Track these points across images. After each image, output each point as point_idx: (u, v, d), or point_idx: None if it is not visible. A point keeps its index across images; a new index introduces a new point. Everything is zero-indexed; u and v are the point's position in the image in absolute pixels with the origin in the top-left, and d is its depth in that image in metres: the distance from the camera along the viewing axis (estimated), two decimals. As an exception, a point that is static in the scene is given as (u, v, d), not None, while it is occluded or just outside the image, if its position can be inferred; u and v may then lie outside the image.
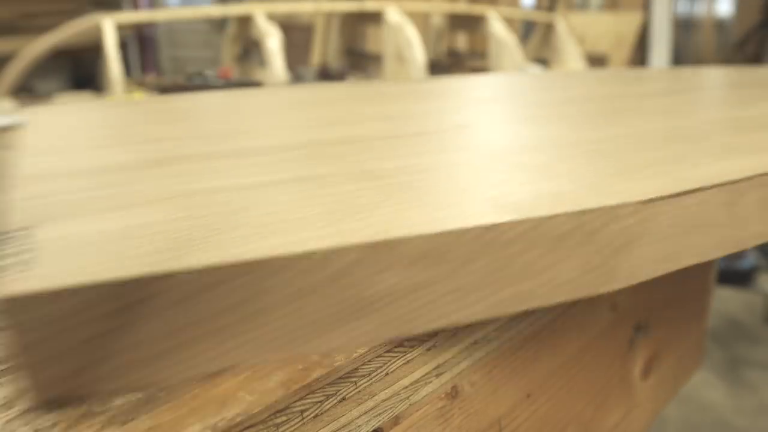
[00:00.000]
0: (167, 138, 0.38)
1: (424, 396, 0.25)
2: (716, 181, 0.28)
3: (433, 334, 0.25)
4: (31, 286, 0.18)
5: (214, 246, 0.21)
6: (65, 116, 0.46)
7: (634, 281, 0.27)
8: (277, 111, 0.48)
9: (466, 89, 0.62)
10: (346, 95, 0.56)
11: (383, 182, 0.28)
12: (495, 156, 0.32)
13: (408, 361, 0.24)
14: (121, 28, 1.44)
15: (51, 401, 0.19)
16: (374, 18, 1.79)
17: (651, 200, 0.26)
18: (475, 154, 0.33)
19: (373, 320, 0.22)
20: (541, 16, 2.22)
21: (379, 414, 0.23)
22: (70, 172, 0.29)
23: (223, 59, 1.84)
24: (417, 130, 0.39)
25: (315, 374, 0.20)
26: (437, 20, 2.13)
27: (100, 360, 0.19)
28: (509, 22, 1.95)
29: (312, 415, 0.20)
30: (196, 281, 0.19)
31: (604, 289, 0.27)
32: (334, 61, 2.01)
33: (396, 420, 0.24)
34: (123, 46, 2.63)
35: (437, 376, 0.25)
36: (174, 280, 0.19)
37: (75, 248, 0.21)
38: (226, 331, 0.20)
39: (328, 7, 1.82)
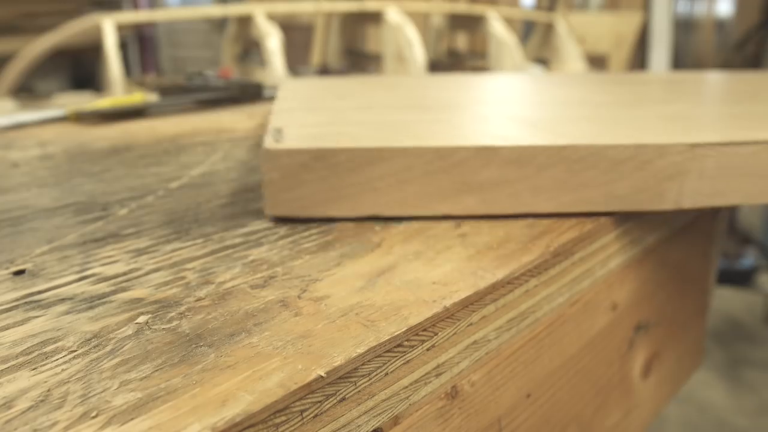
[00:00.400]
0: (362, 95, 0.56)
1: (424, 396, 0.25)
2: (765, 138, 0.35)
3: (432, 334, 0.25)
4: (275, 146, 0.33)
5: (385, 140, 0.35)
6: (300, 84, 0.67)
7: (682, 206, 0.35)
8: (416, 87, 0.65)
9: (576, 83, 0.71)
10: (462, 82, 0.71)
11: (492, 119, 0.42)
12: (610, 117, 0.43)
13: (407, 361, 0.24)
14: (121, 28, 1.44)
15: (274, 216, 0.34)
16: (374, 18, 1.79)
17: (696, 144, 0.34)
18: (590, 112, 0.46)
19: (477, 198, 0.34)
20: (541, 16, 2.22)
21: (379, 414, 0.23)
22: (304, 108, 0.48)
23: (223, 59, 1.84)
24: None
25: (314, 374, 0.20)
26: (437, 20, 2.13)
27: (305, 195, 0.34)
28: (509, 22, 1.95)
29: (312, 415, 0.20)
30: (366, 155, 0.33)
31: (654, 207, 0.35)
32: (334, 61, 2.01)
33: (396, 420, 0.24)
34: (123, 46, 2.62)
35: (437, 376, 0.25)
36: (355, 152, 0.33)
37: (301, 137, 0.36)
38: (381, 190, 0.34)
39: (328, 7, 1.82)
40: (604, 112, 0.45)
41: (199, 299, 0.25)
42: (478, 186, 0.34)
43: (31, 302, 0.25)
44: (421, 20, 2.15)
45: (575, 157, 0.34)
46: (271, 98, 0.78)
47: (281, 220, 0.35)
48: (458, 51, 2.42)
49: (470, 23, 1.96)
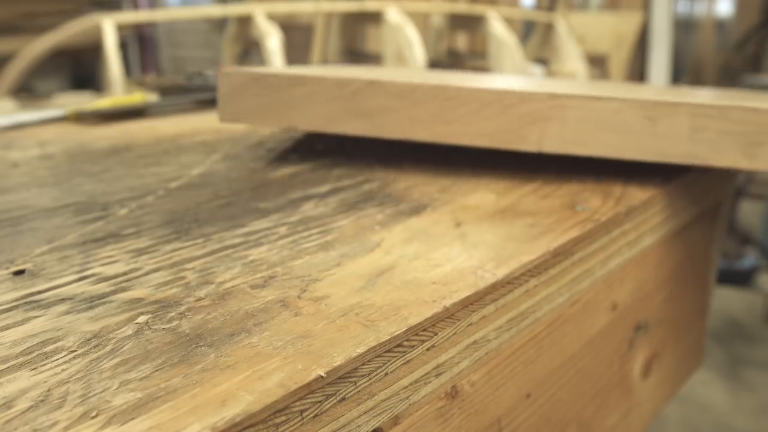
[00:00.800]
0: (362, 70, 0.61)
1: (424, 396, 0.25)
2: (632, 97, 0.39)
3: (432, 334, 0.25)
4: (227, 69, 0.45)
5: (305, 73, 0.46)
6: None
7: (544, 150, 0.41)
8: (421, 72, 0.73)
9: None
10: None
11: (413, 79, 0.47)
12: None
13: (407, 361, 0.24)
14: (121, 28, 1.44)
15: (225, 121, 0.46)
16: (374, 18, 1.79)
17: (556, 95, 0.39)
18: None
19: (368, 122, 0.43)
20: (541, 16, 2.22)
21: (379, 414, 0.23)
22: (298, 68, 0.57)
23: (223, 59, 1.84)
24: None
25: (314, 374, 0.20)
26: (437, 20, 2.13)
27: (246, 108, 0.45)
28: (509, 22, 1.95)
29: (312, 415, 0.20)
30: (287, 80, 0.44)
31: (517, 147, 0.41)
32: (334, 61, 2.01)
33: (396, 420, 0.24)
34: (123, 46, 2.62)
35: (437, 376, 0.25)
36: (280, 77, 0.44)
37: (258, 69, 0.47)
38: (298, 109, 0.44)
39: (328, 7, 1.81)
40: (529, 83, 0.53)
41: (199, 299, 0.25)
42: (368, 112, 0.43)
43: (31, 302, 0.25)
44: (421, 20, 2.15)
45: (446, 95, 0.41)
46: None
47: (282, 222, 0.35)
48: (458, 51, 2.42)
49: (470, 23, 1.96)
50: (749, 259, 1.92)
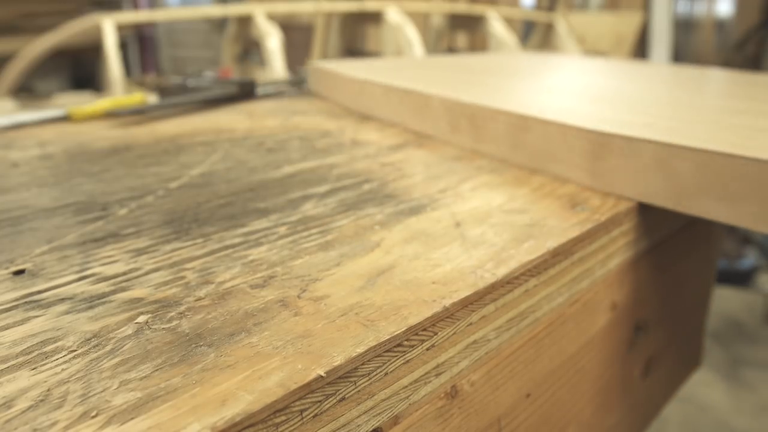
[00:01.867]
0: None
1: (424, 395, 0.25)
2: (440, 102, 0.55)
3: (432, 334, 0.25)
4: (312, 64, 0.83)
5: (333, 68, 0.76)
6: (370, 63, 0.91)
7: (385, 119, 0.62)
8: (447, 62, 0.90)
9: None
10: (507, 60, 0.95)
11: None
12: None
13: (407, 361, 0.24)
14: (121, 28, 1.44)
15: (313, 93, 0.83)
16: (374, 18, 1.79)
17: (388, 87, 0.61)
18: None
19: (346, 96, 0.71)
20: (541, 16, 2.22)
21: (379, 413, 0.23)
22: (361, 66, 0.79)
23: (223, 59, 1.84)
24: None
25: (314, 374, 0.20)
26: (437, 20, 2.13)
27: (319, 86, 0.81)
28: (509, 22, 1.95)
29: (311, 414, 0.20)
30: (325, 72, 0.78)
31: (378, 116, 0.63)
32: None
33: (395, 419, 0.24)
34: (123, 46, 2.62)
35: (437, 375, 0.25)
36: (323, 70, 0.78)
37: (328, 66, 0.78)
38: (330, 88, 0.76)
39: (328, 7, 1.81)
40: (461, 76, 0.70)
41: (199, 299, 0.25)
42: (344, 91, 0.70)
43: (30, 302, 0.25)
44: (421, 20, 2.15)
45: (358, 86, 0.67)
46: (266, 96, 0.79)
47: (282, 222, 0.35)
48: (458, 50, 2.42)
49: (470, 23, 1.97)
50: (749, 259, 1.92)
